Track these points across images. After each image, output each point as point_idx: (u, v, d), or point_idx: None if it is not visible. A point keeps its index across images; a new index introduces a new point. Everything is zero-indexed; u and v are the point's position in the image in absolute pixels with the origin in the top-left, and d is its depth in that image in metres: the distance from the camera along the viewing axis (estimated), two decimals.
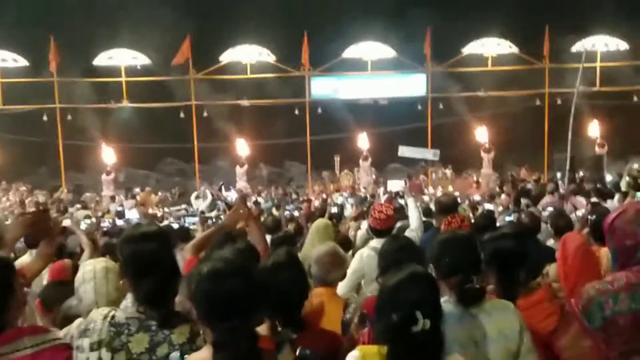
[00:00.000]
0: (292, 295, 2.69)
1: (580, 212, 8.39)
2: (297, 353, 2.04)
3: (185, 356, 1.99)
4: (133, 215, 12.80)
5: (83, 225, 9.03)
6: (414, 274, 2.25)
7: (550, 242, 6.08)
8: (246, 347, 1.89)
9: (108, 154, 21.47)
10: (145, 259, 2.38)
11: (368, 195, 16.94)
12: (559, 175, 19.70)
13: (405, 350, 2.13)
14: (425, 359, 2.15)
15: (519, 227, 5.92)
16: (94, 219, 12.73)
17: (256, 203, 13.63)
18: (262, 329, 2.46)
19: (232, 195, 12.02)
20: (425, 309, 2.13)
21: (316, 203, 15.56)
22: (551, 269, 4.13)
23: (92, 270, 2.93)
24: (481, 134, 21.67)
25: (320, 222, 6.08)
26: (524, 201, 11.16)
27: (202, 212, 12.82)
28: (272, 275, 2.67)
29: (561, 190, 13.10)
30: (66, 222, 7.99)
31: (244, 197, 4.26)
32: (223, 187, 17.23)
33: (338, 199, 16.97)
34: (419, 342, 2.11)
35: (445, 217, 5.17)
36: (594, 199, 11.70)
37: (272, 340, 2.06)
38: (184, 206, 17.38)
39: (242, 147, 21.93)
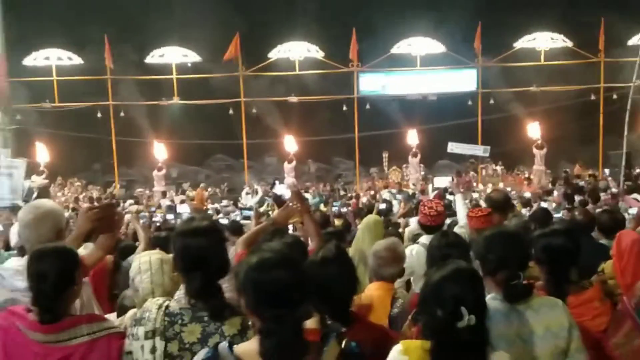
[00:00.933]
0: (340, 289, 2.69)
1: (633, 210, 8.16)
2: (343, 345, 2.05)
3: (234, 346, 2.01)
4: (184, 209, 12.99)
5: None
6: (458, 269, 2.24)
7: (605, 240, 5.92)
8: (292, 336, 1.91)
9: (159, 150, 21.86)
10: (195, 253, 2.43)
11: (417, 192, 16.83)
12: (606, 172, 19.22)
13: (449, 345, 2.12)
14: (470, 355, 2.14)
15: (572, 224, 5.78)
16: (146, 214, 13.00)
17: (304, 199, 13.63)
18: (311, 322, 2.48)
19: (284, 191, 12.07)
20: (470, 304, 2.11)
21: (364, 199, 15.53)
22: (607, 267, 4.03)
23: (147, 262, 3.01)
24: (533, 130, 21.19)
25: (370, 218, 6.05)
26: (577, 198, 10.92)
27: (251, 208, 12.93)
28: (321, 269, 2.68)
29: (612, 188, 12.77)
30: (126, 217, 8.20)
31: (299, 192, 4.26)
32: (276, 184, 17.24)
33: (385, 195, 16.89)
34: (463, 338, 2.10)
35: (497, 213, 5.08)
36: None
37: (319, 332, 2.07)
38: (227, 202, 17.56)
39: (291, 143, 22.02)
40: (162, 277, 2.95)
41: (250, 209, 10.39)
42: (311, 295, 2.07)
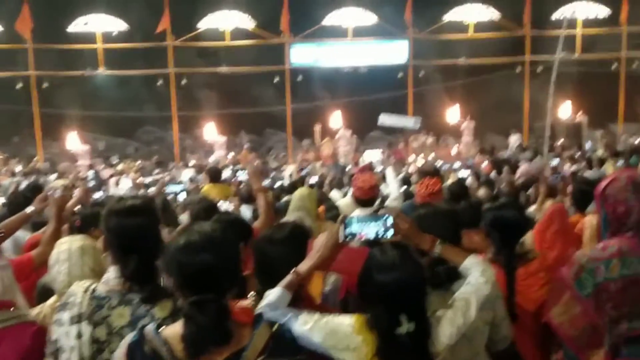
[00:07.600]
0: (289, 268, 2.60)
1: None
2: (274, 329, 1.97)
3: (162, 328, 1.94)
4: (125, 185, 12.45)
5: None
6: (391, 265, 2.16)
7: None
8: (214, 322, 1.84)
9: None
10: (132, 234, 2.30)
11: (348, 165, 16.91)
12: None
13: (390, 348, 2.11)
14: (412, 354, 2.13)
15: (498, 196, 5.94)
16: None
17: (236, 172, 13.50)
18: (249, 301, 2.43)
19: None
20: (410, 309, 2.10)
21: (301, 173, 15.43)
22: (527, 237, 4.10)
23: (67, 250, 2.80)
24: (454, 113, 21.71)
25: (303, 190, 5.99)
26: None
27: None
28: (272, 247, 2.56)
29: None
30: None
31: (260, 171, 4.09)
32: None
33: (318, 169, 16.87)
34: (403, 341, 2.09)
35: None
36: (573, 167, 11.82)
37: (252, 312, 2.00)
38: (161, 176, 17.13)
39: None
40: (82, 269, 2.73)
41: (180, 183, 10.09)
42: (237, 276, 2.00)
